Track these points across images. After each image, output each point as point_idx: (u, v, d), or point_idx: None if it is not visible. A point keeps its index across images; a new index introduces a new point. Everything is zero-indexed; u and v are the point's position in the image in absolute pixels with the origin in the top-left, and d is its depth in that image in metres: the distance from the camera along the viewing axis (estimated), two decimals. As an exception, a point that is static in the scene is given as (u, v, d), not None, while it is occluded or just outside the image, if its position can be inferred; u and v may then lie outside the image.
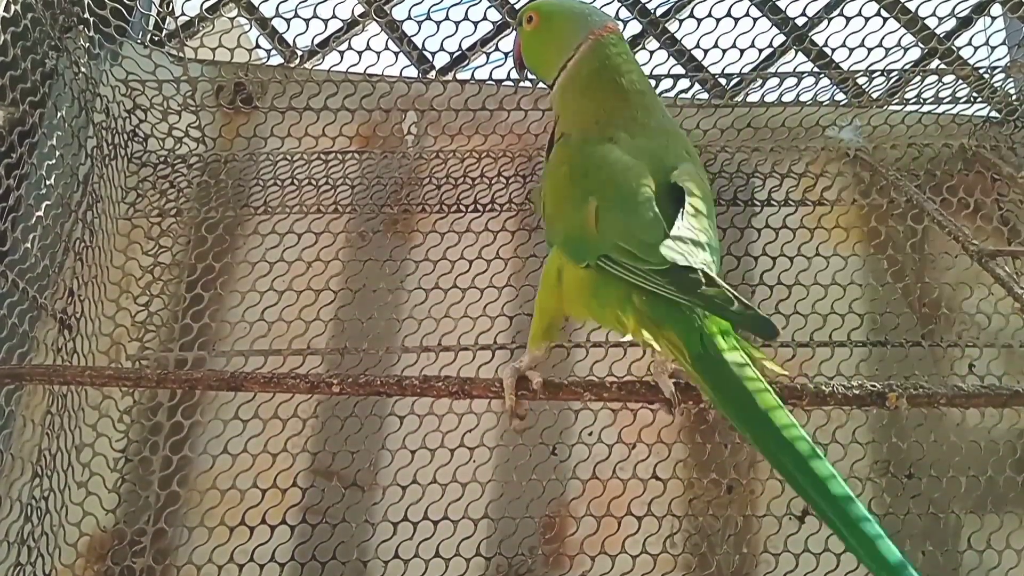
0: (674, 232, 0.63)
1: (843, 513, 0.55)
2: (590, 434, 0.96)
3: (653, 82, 1.08)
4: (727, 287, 0.59)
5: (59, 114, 0.95)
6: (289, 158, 1.07)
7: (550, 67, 0.78)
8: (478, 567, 0.90)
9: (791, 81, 1.08)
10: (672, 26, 1.14)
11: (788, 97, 1.09)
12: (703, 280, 0.59)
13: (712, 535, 0.93)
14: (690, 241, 0.63)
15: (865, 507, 0.90)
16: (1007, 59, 1.15)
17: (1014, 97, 1.13)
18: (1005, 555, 0.91)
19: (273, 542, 0.90)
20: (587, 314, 0.69)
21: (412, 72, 1.12)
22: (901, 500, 0.94)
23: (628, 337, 0.66)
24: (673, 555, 0.91)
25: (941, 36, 1.11)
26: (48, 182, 0.91)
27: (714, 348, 0.60)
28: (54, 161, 0.92)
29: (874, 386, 0.73)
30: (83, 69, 0.98)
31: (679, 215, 0.65)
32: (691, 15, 1.10)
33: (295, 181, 1.06)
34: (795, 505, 0.93)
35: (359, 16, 1.13)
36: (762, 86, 1.11)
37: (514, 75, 1.05)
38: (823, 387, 0.74)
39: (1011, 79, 1.11)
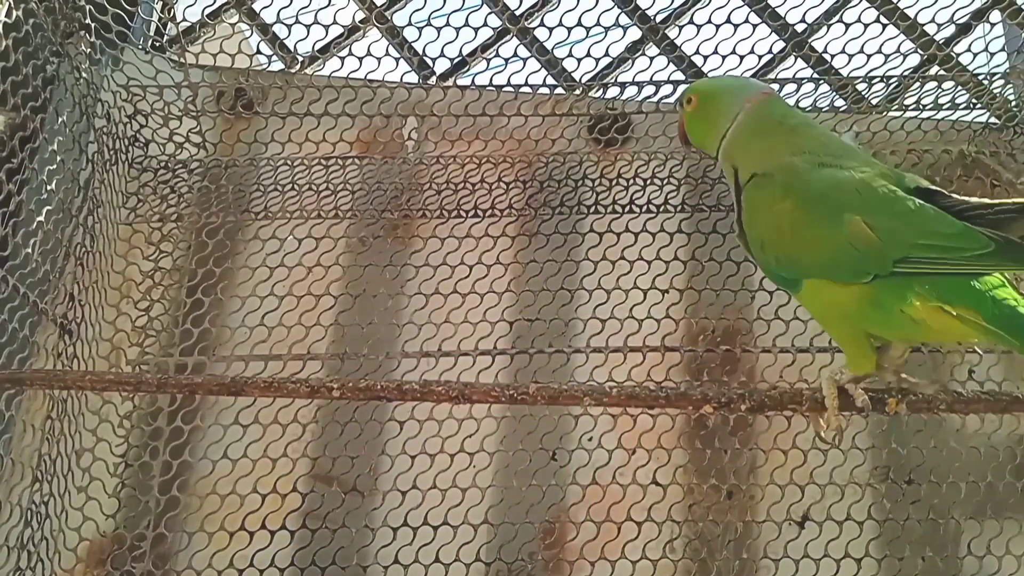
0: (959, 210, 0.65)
1: None
2: (590, 439, 0.96)
3: (652, 88, 1.09)
4: None
5: (60, 119, 0.95)
6: (290, 163, 1.07)
7: (712, 140, 0.82)
8: (478, 572, 0.90)
9: (790, 87, 1.09)
10: (672, 32, 1.15)
11: (788, 103, 1.09)
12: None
13: (712, 540, 0.93)
14: (981, 212, 0.65)
15: (865, 513, 0.92)
16: (1006, 65, 1.15)
17: (1013, 103, 1.13)
18: (1005, 561, 0.91)
19: (273, 547, 0.90)
20: (879, 329, 0.69)
21: (412, 78, 1.13)
22: (901, 506, 0.94)
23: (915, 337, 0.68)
24: (673, 560, 0.91)
25: (940, 42, 1.11)
26: (49, 187, 0.91)
27: (1003, 302, 0.63)
28: (55, 166, 0.92)
29: (873, 392, 0.74)
30: (84, 74, 0.98)
31: (939, 198, 0.67)
32: (691, 21, 1.11)
33: (296, 186, 1.06)
34: (795, 511, 0.93)
35: (360, 22, 1.14)
36: (762, 92, 1.11)
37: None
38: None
39: (1010, 85, 1.11)
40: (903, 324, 0.66)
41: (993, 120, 1.14)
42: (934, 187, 0.69)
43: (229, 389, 0.74)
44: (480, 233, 1.05)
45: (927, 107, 1.10)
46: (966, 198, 0.67)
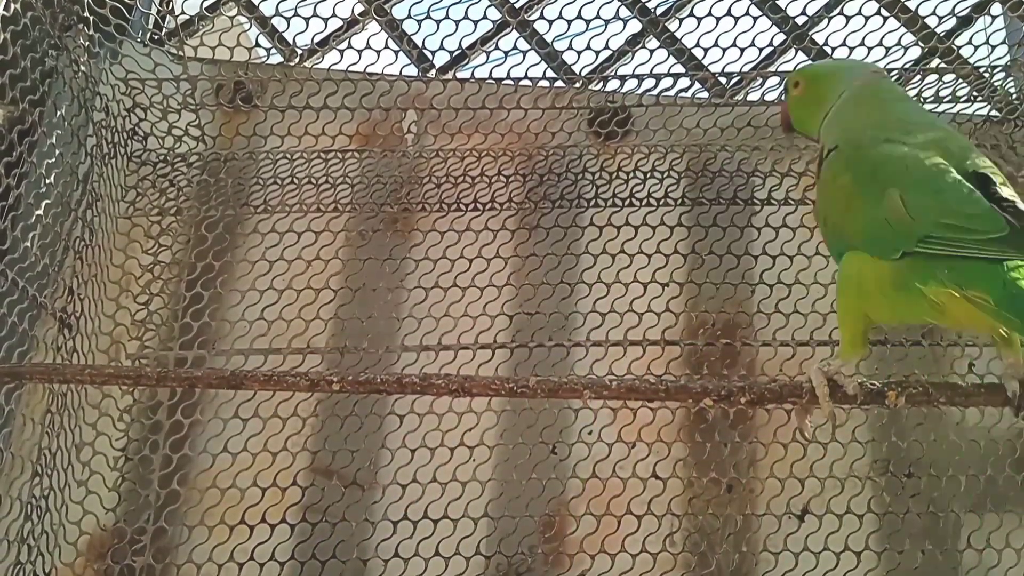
0: (996, 200, 0.64)
1: None
2: (590, 433, 0.96)
3: (652, 81, 1.08)
4: None
5: (59, 113, 0.95)
6: (289, 157, 1.07)
7: (816, 121, 0.81)
8: (478, 566, 0.91)
9: (792, 80, 1.08)
10: (672, 25, 1.14)
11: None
12: None
13: (712, 534, 0.93)
14: (1014, 203, 0.64)
15: (865, 506, 0.92)
16: (1007, 58, 1.15)
17: (1014, 96, 1.13)
18: (1005, 554, 0.91)
19: (273, 541, 0.90)
20: (891, 312, 0.69)
21: (412, 71, 1.12)
22: (900, 499, 0.94)
23: (934, 322, 0.67)
24: (673, 554, 0.91)
25: (941, 35, 1.11)
26: (48, 181, 0.91)
27: (1015, 283, 0.61)
28: (54, 160, 0.92)
29: (873, 384, 0.73)
30: (83, 68, 0.98)
31: (989, 186, 0.66)
32: (691, 14, 1.10)
33: (295, 180, 1.06)
34: (795, 504, 0.93)
35: (359, 15, 1.13)
36: (762, 85, 1.11)
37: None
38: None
39: (1011, 78, 1.11)
40: (922, 306, 0.65)
41: (994, 113, 1.14)
42: (989, 172, 0.68)
43: (228, 383, 0.74)
44: (480, 226, 1.05)
45: (928, 100, 1.10)
46: (1014, 196, 0.66)
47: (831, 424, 0.72)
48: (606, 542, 0.91)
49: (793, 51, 1.12)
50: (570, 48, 1.10)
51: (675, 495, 0.94)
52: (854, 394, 0.69)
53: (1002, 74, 1.10)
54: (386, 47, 1.09)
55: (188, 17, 1.11)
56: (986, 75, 1.09)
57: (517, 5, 1.13)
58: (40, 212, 0.88)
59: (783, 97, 0.88)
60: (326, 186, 1.06)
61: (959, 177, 0.66)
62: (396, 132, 1.09)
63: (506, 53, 1.11)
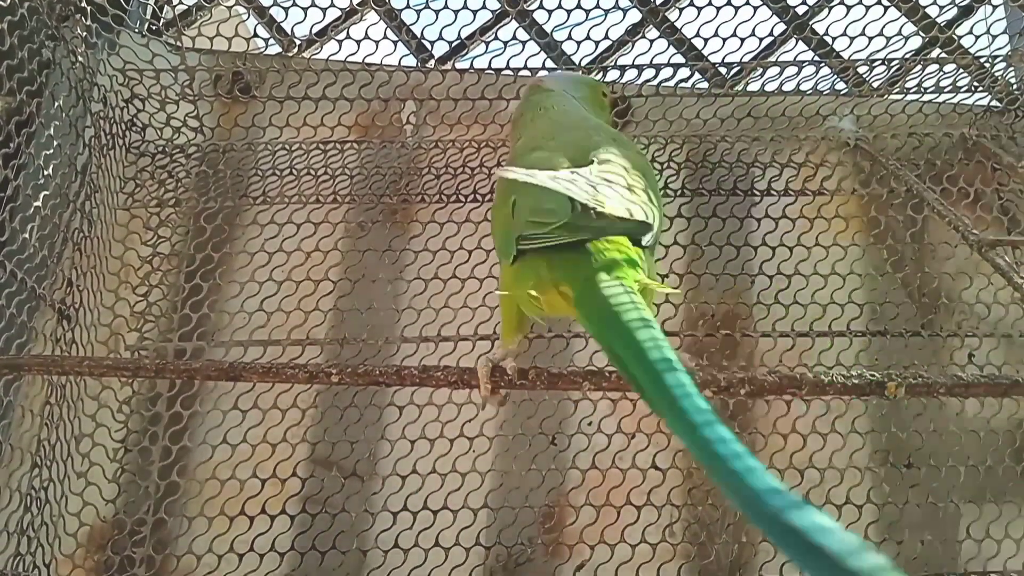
0: (572, 188, 0.64)
1: (691, 424, 0.52)
2: (589, 424, 0.96)
3: (652, 71, 1.08)
4: (618, 212, 0.63)
5: (56, 104, 0.95)
6: (288, 148, 1.06)
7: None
8: (478, 556, 0.91)
9: (791, 70, 1.08)
10: (672, 15, 1.14)
11: (788, 86, 1.09)
12: (594, 215, 0.63)
13: (711, 524, 0.93)
14: (590, 187, 0.65)
15: (864, 497, 0.92)
16: (1008, 48, 1.14)
17: (1015, 86, 1.13)
18: (1004, 544, 0.92)
19: (273, 531, 0.90)
20: (531, 307, 0.69)
21: (411, 61, 1.12)
22: (900, 489, 0.94)
23: (550, 315, 0.68)
24: (672, 544, 0.91)
25: (942, 25, 1.10)
26: (46, 172, 0.91)
27: (594, 286, 0.61)
28: (52, 151, 0.91)
29: (873, 375, 0.73)
30: (80, 58, 0.98)
31: (579, 175, 0.67)
32: (691, 3, 1.10)
33: (294, 171, 1.06)
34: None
35: (357, 5, 1.13)
36: (762, 75, 1.11)
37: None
38: (822, 376, 0.74)
39: (1012, 68, 1.10)
40: (537, 302, 0.65)
41: (994, 103, 1.14)
42: (609, 154, 0.70)
43: (227, 374, 0.74)
44: (479, 218, 1.05)
45: (928, 90, 1.10)
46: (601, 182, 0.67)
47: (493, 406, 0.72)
48: (605, 532, 0.91)
49: (793, 41, 1.12)
50: (569, 38, 1.10)
51: (675, 485, 0.94)
52: (511, 376, 0.70)
53: (1003, 64, 1.09)
54: (385, 37, 1.09)
55: (186, 7, 1.11)
56: (987, 65, 1.09)
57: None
58: (38, 203, 0.88)
59: None
60: (325, 177, 1.06)
61: (562, 175, 0.67)
62: (395, 123, 1.09)
63: (505, 43, 1.10)
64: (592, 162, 0.70)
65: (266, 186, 1.05)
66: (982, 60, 1.09)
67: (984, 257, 0.90)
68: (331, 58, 1.07)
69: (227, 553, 0.89)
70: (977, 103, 1.14)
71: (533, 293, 0.64)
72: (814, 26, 1.12)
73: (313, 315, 0.99)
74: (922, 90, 1.10)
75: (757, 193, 1.08)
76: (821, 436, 0.94)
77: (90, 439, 0.93)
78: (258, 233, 1.02)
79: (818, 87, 1.11)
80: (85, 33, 0.98)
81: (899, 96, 1.11)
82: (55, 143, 0.92)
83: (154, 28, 1.12)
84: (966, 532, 0.93)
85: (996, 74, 1.11)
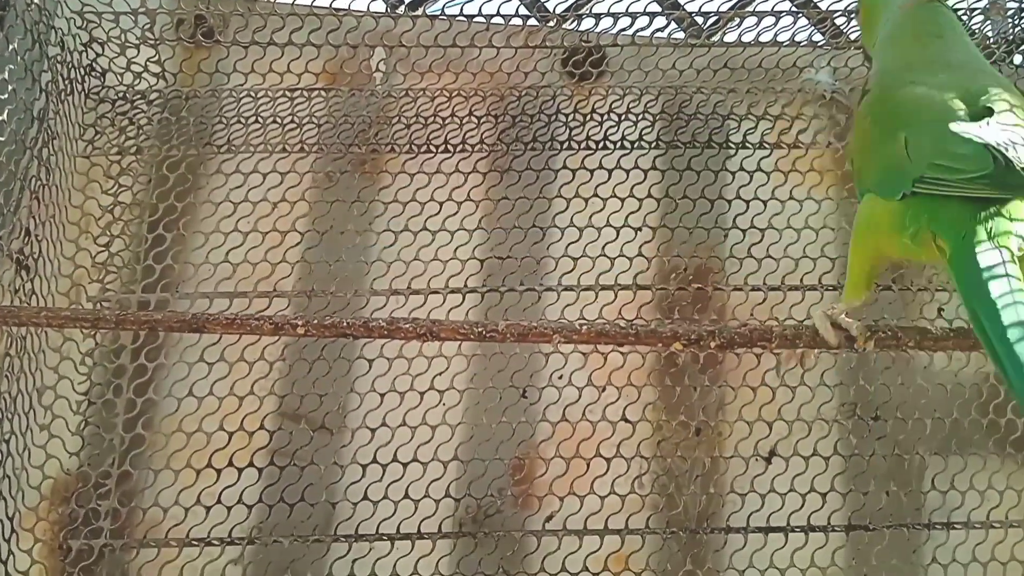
0: (988, 138, 0.63)
1: None
2: (560, 377, 0.95)
3: (628, 20, 1.06)
4: None
5: (11, 47, 0.91)
6: (253, 95, 1.03)
7: (870, 46, 0.82)
8: (447, 508, 0.91)
9: (769, 20, 1.06)
10: (648, -38, 1.11)
11: (766, 37, 1.08)
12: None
13: (680, 476, 0.93)
14: (1006, 142, 0.63)
15: (831, 448, 0.93)
16: (985, 1, 1.13)
17: (991, 40, 1.12)
18: (968, 496, 0.93)
19: (240, 484, 0.89)
20: (902, 251, 0.69)
21: (380, 6, 1.09)
22: (867, 441, 0.95)
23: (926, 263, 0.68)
24: (641, 495, 0.92)
25: (921, -25, 1.09)
26: (0, 117, 0.87)
27: (973, 249, 0.60)
28: (6, 96, 0.88)
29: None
30: (36, 0, 0.94)
31: (989, 123, 0.65)
32: (668, -50, 1.07)
33: (259, 119, 1.03)
34: (762, 446, 0.94)
35: (325, -54, 1.09)
36: (739, 25, 1.09)
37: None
38: (793, 329, 0.74)
39: (989, 21, 1.09)
40: (919, 248, 0.65)
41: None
42: (1008, 101, 0.67)
43: (190, 326, 0.73)
44: (451, 169, 1.03)
45: (906, 42, 1.08)
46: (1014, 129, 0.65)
47: (801, 368, 0.73)
48: (575, 484, 0.91)
49: (771, -10, 1.10)
50: (544, -16, 1.07)
51: (644, 438, 0.94)
52: (859, 334, 0.70)
53: (980, 17, 1.08)
54: (353, -19, 1.05)
55: (146, -54, 1.07)
56: (964, 17, 1.07)
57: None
58: (-7, 149, 0.85)
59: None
60: (291, 126, 1.03)
61: (961, 116, 0.66)
62: (364, 70, 1.06)
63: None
64: (988, 110, 0.67)
65: (231, 134, 1.02)
66: (960, 13, 1.08)
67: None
68: (297, 2, 1.03)
69: (194, 506, 0.88)
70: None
71: (910, 241, 0.63)
72: (792, -25, 1.10)
73: (280, 267, 0.97)
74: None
75: (732, 146, 1.07)
76: (790, 389, 0.94)
77: (53, 391, 0.91)
78: (223, 183, 1.00)
79: (795, 38, 1.09)
80: (40, -28, 0.95)
81: (876, 48, 1.10)
82: (10, 88, 0.89)
83: (113, -32, 1.07)
84: (931, 483, 0.94)
85: (973, 27, 1.10)
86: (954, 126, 0.64)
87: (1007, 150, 0.62)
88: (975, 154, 0.62)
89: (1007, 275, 0.59)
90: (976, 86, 0.70)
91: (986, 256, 0.60)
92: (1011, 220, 0.62)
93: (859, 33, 1.08)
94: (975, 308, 0.59)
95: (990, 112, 0.67)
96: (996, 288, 0.58)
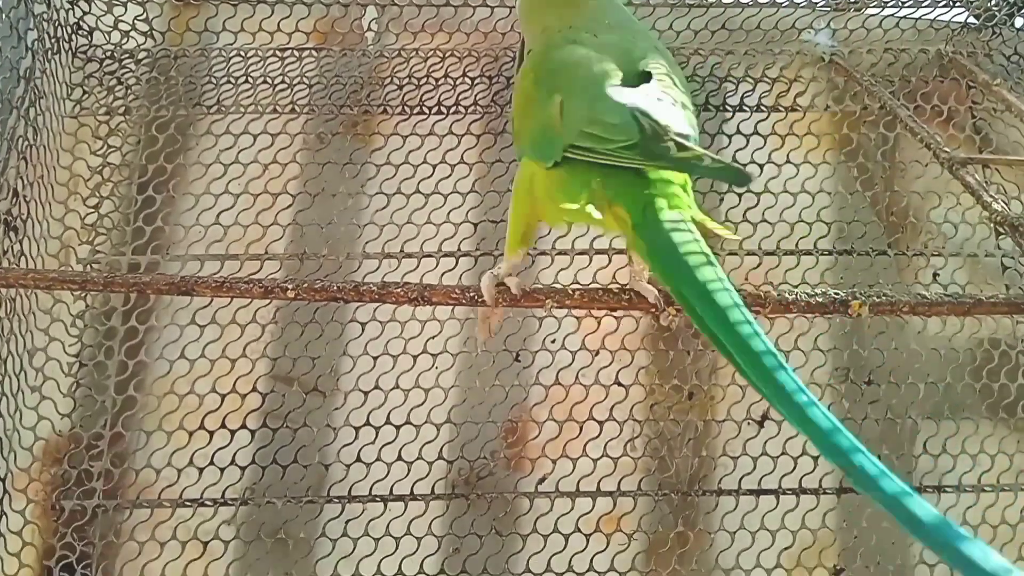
0: (639, 106, 0.62)
1: (761, 366, 0.56)
2: (553, 341, 0.95)
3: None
4: (699, 148, 0.60)
5: (-5, 3, 0.89)
6: (243, 54, 1.02)
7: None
8: (440, 470, 0.91)
9: (769, -19, 1.05)
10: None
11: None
12: (674, 146, 0.60)
13: (672, 439, 0.93)
14: (656, 111, 0.62)
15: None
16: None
17: (993, 2, 1.10)
18: (960, 459, 0.93)
19: (233, 446, 0.89)
20: (560, 216, 0.68)
21: (372, -36, 1.07)
22: (859, 406, 0.95)
23: (601, 231, 0.66)
24: (633, 458, 0.92)
25: (923, -65, 1.07)
26: (-15, 76, 0.86)
27: (655, 215, 0.61)
28: (-9, 53, 0.87)
29: (837, 294, 0.73)
30: (20, -45, 0.92)
31: (644, 90, 0.64)
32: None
33: (249, 79, 1.01)
34: (755, 410, 0.94)
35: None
36: (737, -15, 1.07)
37: None
38: (787, 295, 0.73)
39: (992, -19, 1.08)
40: (582, 213, 0.63)
41: (972, 20, 1.11)
42: (664, 69, 0.67)
43: (179, 288, 0.72)
44: (444, 131, 1.02)
45: (906, 3, 1.07)
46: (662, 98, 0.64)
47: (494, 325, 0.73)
48: (568, 447, 0.91)
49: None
50: (539, -57, 1.05)
51: (637, 402, 0.94)
52: (518, 293, 0.70)
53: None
54: (345, -62, 1.03)
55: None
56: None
57: None
58: (-23, 108, 0.84)
59: None
60: (282, 86, 1.02)
61: (615, 83, 0.65)
62: (356, 30, 1.04)
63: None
64: (646, 75, 0.66)
65: (220, 94, 1.01)
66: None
67: (954, 175, 0.89)
68: (288, -41, 1.02)
69: (187, 467, 0.88)
70: (954, 19, 1.11)
71: (590, 209, 0.62)
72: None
73: (272, 229, 0.96)
74: (900, 3, 1.07)
75: (729, 109, 1.06)
76: (783, 353, 0.94)
77: (43, 353, 0.90)
78: (213, 144, 0.99)
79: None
80: (23, -73, 0.92)
81: (876, 10, 1.08)
82: (-6, 45, 0.88)
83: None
84: (923, 447, 0.94)
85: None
86: (609, 91, 0.63)
87: (657, 118, 0.61)
88: (623, 121, 0.61)
89: (695, 239, 0.61)
90: (637, 50, 0.69)
91: (672, 223, 0.61)
92: (684, 189, 0.64)
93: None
94: (670, 274, 0.60)
95: (648, 77, 0.66)
96: (687, 251, 0.60)
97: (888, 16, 1.09)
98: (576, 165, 0.63)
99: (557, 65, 0.69)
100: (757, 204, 0.99)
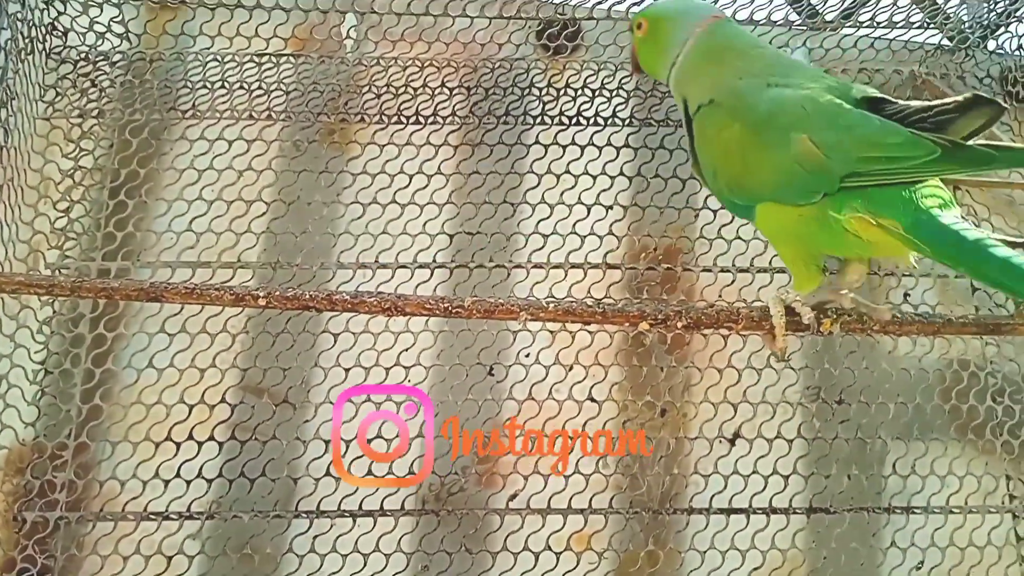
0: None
1: None
2: (527, 356, 0.95)
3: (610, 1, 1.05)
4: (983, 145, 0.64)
5: (-34, 2, 0.88)
6: (220, 59, 1.01)
7: (663, 68, 0.81)
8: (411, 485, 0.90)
9: (744, 0, 1.05)
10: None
11: (741, 16, 1.06)
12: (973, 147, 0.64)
13: (643, 457, 0.93)
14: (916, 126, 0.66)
15: (795, 431, 0.93)
16: (962, -15, 1.13)
17: (966, 25, 1.12)
18: (928, 480, 0.94)
19: (200, 458, 0.88)
20: (824, 248, 0.70)
21: (352, -28, 1.06)
22: (830, 425, 0.95)
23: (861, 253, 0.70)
24: (605, 475, 0.92)
25: (899, -41, 1.08)
26: (-45, 75, 0.84)
27: (927, 214, 0.64)
28: (-39, 53, 0.85)
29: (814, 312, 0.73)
30: (-7, -47, 0.91)
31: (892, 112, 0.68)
32: (646, -76, 1.05)
33: (226, 84, 1.00)
34: (727, 428, 0.94)
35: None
36: (716, 3, 1.08)
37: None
38: (759, 311, 0.74)
39: (965, 5, 1.09)
40: (844, 239, 0.66)
41: (945, 42, 1.13)
42: (878, 94, 0.70)
43: (148, 295, 0.71)
44: (421, 141, 1.01)
45: (881, 24, 1.08)
46: (908, 102, 0.68)
47: (778, 353, 0.73)
48: (539, 463, 0.91)
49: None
50: (520, -43, 1.05)
51: (610, 418, 0.94)
52: (808, 323, 0.71)
53: (956, 1, 1.08)
54: (325, -55, 1.03)
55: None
56: (940, 1, 1.07)
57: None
58: (-54, 109, 0.82)
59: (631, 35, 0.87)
60: (259, 92, 1.01)
61: (860, 110, 0.67)
62: (334, 37, 1.04)
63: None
64: (866, 100, 0.69)
65: (196, 99, 1.00)
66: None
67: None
68: (266, -36, 1.01)
69: (152, 479, 0.86)
70: (928, 41, 1.13)
71: (850, 228, 0.65)
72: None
73: (245, 237, 0.95)
74: (875, 24, 1.08)
75: (705, 126, 1.06)
76: (756, 371, 0.94)
77: (8, 360, 0.89)
78: (187, 149, 0.98)
79: (771, 18, 1.08)
80: (-3, -75, 0.91)
81: (851, 30, 1.10)
82: (-35, 45, 0.86)
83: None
84: (892, 468, 0.95)
85: (949, 12, 1.09)
86: (864, 118, 0.66)
87: (932, 134, 0.64)
88: (908, 140, 0.64)
89: (967, 221, 0.64)
90: (831, 81, 0.72)
91: (943, 215, 0.64)
92: (936, 187, 0.66)
93: (834, 13, 1.08)
94: (955, 255, 0.63)
95: (870, 103, 0.68)
96: (967, 232, 0.62)
97: (863, 36, 1.10)
98: (836, 194, 0.66)
99: (775, 107, 0.70)
100: (731, 221, 1.00)
